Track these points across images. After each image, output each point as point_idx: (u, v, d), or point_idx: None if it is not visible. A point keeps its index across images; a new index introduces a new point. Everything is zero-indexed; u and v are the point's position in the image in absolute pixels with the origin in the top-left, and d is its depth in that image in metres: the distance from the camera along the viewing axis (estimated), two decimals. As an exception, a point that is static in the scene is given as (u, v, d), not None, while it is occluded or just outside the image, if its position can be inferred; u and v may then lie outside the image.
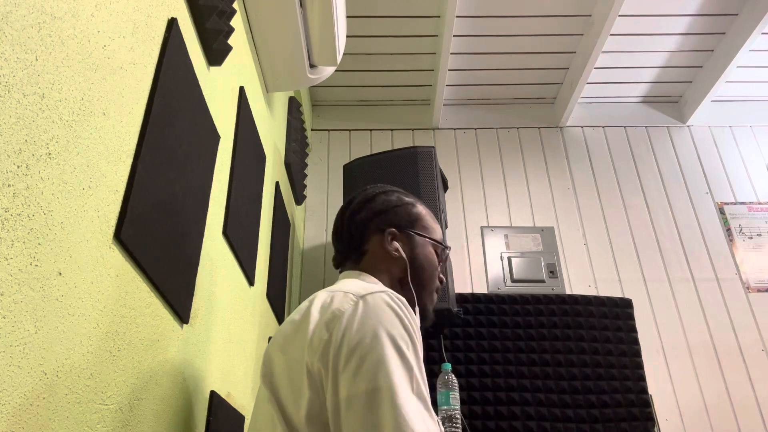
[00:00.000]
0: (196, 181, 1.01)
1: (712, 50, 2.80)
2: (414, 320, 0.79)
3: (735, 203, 2.85)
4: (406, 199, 1.09)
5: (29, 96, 0.54)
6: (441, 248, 1.07)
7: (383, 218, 1.04)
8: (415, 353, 0.74)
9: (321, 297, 0.82)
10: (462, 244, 2.69)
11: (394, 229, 1.02)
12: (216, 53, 1.15)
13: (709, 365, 2.45)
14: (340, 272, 1.05)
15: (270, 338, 1.71)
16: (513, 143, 3.03)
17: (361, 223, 1.04)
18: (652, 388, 2.17)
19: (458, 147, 3.00)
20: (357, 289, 0.81)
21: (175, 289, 0.90)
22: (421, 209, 1.09)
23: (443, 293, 1.79)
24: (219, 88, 1.21)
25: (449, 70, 2.80)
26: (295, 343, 0.78)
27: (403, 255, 1.00)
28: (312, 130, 3.03)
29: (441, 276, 1.06)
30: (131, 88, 0.77)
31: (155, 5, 0.87)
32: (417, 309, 0.97)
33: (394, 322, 0.74)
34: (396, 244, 1.01)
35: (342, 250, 1.06)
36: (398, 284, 0.99)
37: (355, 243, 1.03)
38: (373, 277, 0.97)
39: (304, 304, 0.85)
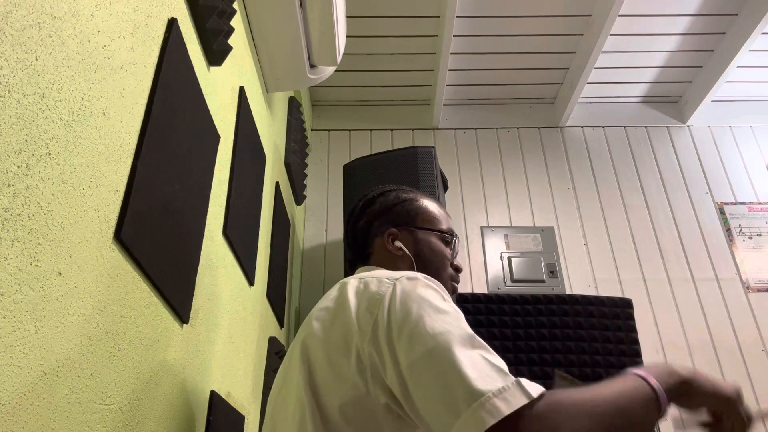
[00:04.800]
0: (196, 181, 1.01)
1: (712, 50, 2.80)
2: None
3: (735, 203, 2.85)
4: (404, 195, 1.09)
5: (29, 96, 0.54)
6: (449, 237, 1.06)
7: (382, 220, 1.05)
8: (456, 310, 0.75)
9: (353, 284, 0.82)
10: (462, 244, 2.69)
11: (393, 229, 1.03)
12: (216, 53, 1.15)
13: (709, 365, 2.45)
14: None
15: (266, 338, 1.71)
16: (513, 143, 3.03)
17: (363, 229, 1.06)
18: (652, 388, 2.16)
19: (458, 147, 3.00)
20: (387, 274, 0.82)
21: (175, 289, 0.90)
22: (421, 203, 1.08)
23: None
24: (219, 88, 1.21)
25: (449, 70, 2.80)
26: (334, 330, 0.78)
27: (407, 252, 1.00)
28: (312, 130, 3.03)
29: (456, 264, 1.06)
30: (131, 88, 0.77)
31: (155, 5, 0.87)
32: None
33: (432, 293, 0.75)
34: (398, 243, 1.01)
35: (351, 256, 1.09)
36: None
37: (361, 248, 1.06)
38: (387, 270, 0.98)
39: (333, 292, 0.84)
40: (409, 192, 1.11)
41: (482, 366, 0.62)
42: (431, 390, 0.63)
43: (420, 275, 0.80)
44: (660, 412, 0.66)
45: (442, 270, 1.03)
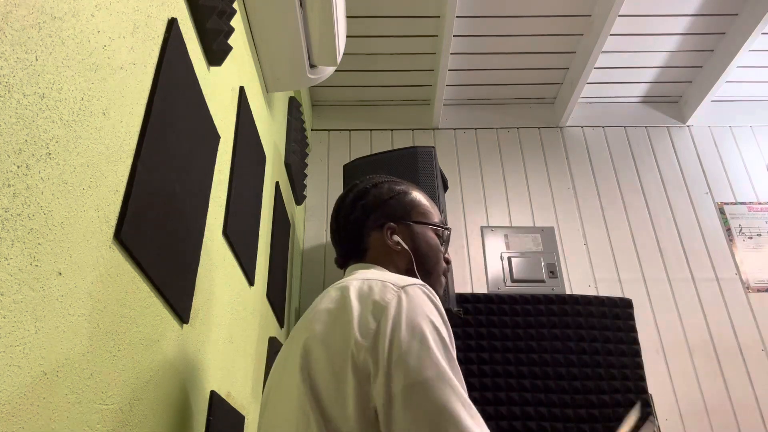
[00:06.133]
0: (196, 181, 1.01)
1: (712, 50, 2.80)
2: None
3: (735, 203, 2.85)
4: (398, 188, 1.07)
5: (29, 96, 0.54)
6: (441, 230, 1.05)
7: (378, 214, 1.02)
8: (453, 348, 0.77)
9: (355, 285, 0.80)
10: (462, 244, 2.69)
11: (392, 224, 1.01)
12: (216, 53, 1.15)
13: (709, 365, 2.45)
14: (344, 271, 1.04)
15: (268, 338, 1.70)
16: (513, 143, 3.03)
17: (357, 222, 1.02)
18: (652, 388, 2.17)
19: (458, 147, 3.00)
20: (391, 278, 0.81)
21: (175, 289, 0.90)
22: (414, 195, 1.07)
23: (444, 293, 1.79)
24: (219, 88, 1.21)
25: (449, 70, 2.80)
26: (335, 333, 0.76)
27: (406, 247, 0.98)
28: (312, 130, 3.03)
29: (446, 257, 1.06)
30: (131, 88, 0.77)
31: (155, 5, 0.87)
32: None
33: (437, 316, 0.76)
34: (396, 238, 0.99)
35: (343, 251, 1.05)
36: (405, 275, 0.96)
37: (355, 243, 1.02)
38: (384, 269, 0.96)
39: (333, 292, 0.82)
40: (400, 184, 1.09)
41: (474, 416, 0.70)
42: (422, 419, 0.66)
43: (424, 286, 0.80)
44: None
45: (437, 264, 1.02)
